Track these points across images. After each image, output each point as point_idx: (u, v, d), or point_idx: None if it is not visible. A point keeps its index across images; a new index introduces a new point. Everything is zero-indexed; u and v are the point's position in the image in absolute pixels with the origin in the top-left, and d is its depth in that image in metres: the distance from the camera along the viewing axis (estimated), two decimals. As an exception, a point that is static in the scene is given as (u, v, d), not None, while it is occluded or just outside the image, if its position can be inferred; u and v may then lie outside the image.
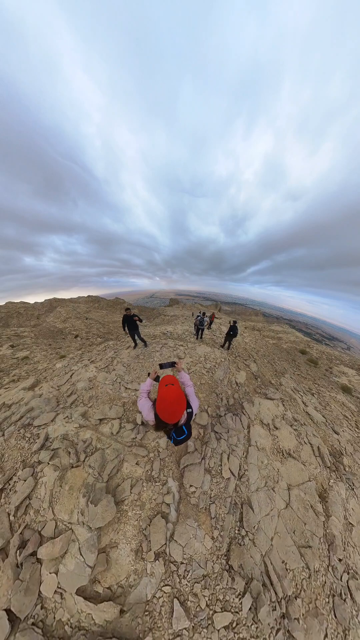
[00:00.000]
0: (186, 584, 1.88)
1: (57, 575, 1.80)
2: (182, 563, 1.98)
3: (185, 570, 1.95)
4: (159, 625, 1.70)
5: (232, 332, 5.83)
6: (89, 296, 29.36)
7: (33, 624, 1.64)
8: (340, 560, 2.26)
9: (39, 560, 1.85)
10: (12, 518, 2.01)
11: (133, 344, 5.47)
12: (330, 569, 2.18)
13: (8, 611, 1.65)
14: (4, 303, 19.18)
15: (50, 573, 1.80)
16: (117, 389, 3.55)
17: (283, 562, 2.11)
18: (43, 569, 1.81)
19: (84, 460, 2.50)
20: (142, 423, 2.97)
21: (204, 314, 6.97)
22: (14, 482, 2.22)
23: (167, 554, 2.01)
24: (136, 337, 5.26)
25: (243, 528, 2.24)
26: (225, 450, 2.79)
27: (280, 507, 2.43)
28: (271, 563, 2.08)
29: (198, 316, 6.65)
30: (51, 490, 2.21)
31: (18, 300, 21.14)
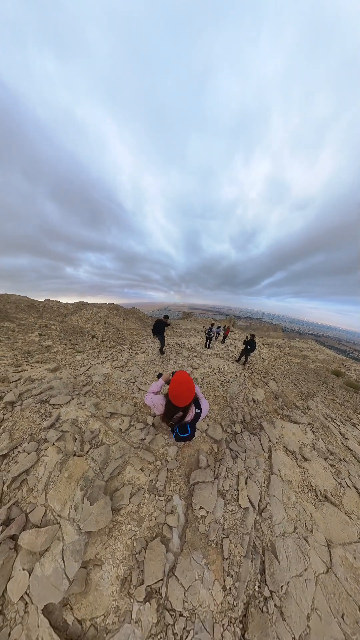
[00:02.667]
0: (184, 651, 1.36)
1: (29, 576, 1.49)
2: (181, 615, 1.48)
3: (184, 628, 1.44)
4: None
5: (249, 347, 5.46)
6: (110, 303, 31.89)
7: None
8: None
9: (16, 548, 1.60)
10: (5, 488, 1.86)
11: (161, 345, 5.63)
12: None
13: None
14: (43, 299, 22.24)
15: (23, 569, 1.51)
16: (131, 389, 3.47)
17: (329, 665, 1.41)
18: (18, 560, 1.54)
19: (87, 452, 2.33)
20: (153, 424, 2.75)
21: (212, 324, 7.86)
22: (18, 452, 2.13)
23: (163, 595, 1.55)
24: (161, 343, 5.48)
25: (266, 585, 1.65)
26: (243, 473, 2.32)
27: (318, 570, 1.78)
28: (310, 660, 1.41)
29: (206, 327, 7.31)
30: (50, 472, 2.05)
31: (54, 299, 24.72)
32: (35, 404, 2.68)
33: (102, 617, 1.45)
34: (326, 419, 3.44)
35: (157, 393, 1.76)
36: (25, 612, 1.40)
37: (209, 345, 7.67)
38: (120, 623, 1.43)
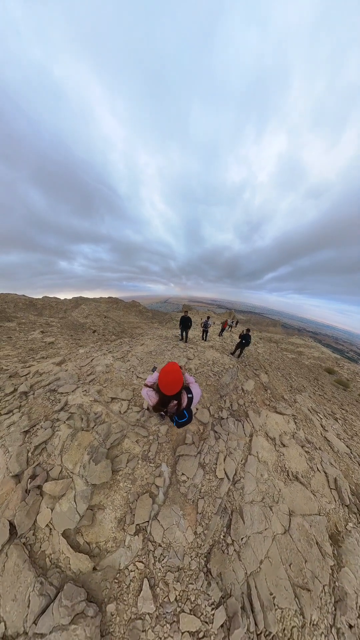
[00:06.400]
0: (160, 569, 1.85)
1: (51, 512, 2.05)
2: (160, 545, 1.96)
3: (161, 554, 1.92)
4: (124, 598, 1.70)
5: (244, 341, 5.60)
6: (109, 297, 32.25)
7: (24, 543, 1.89)
8: (351, 627, 1.78)
9: (41, 494, 2.16)
10: (29, 455, 2.43)
11: (184, 339, 7.04)
12: (334, 630, 1.75)
13: (11, 523, 1.96)
14: (41, 297, 22.51)
15: (47, 507, 2.07)
16: (130, 377, 3.91)
17: (271, 594, 1.83)
18: (43, 502, 2.10)
19: (93, 427, 2.84)
20: (148, 409, 3.19)
21: (208, 317, 8.34)
22: (37, 428, 2.69)
23: (148, 532, 2.04)
24: (185, 334, 7.01)
25: (230, 536, 2.08)
26: (223, 451, 2.70)
27: (276, 531, 2.16)
28: (256, 587, 1.84)
29: (203, 320, 8.02)
30: (64, 442, 2.58)
31: (52, 296, 24.64)
32: (46, 393, 3.21)
33: (104, 542, 1.98)
34: (310, 412, 3.63)
35: (152, 384, 1.90)
36: (50, 534, 1.96)
37: (205, 338, 8.03)
38: (117, 547, 1.96)
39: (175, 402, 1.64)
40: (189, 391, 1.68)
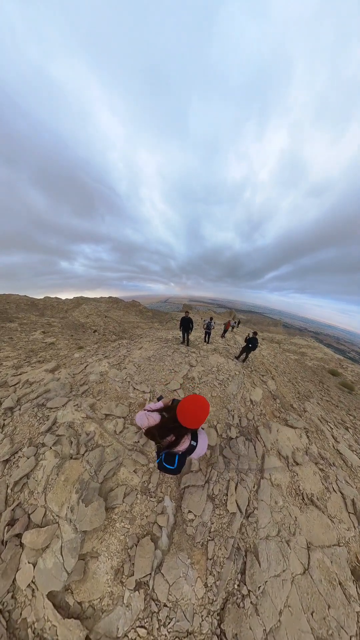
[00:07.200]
0: (165, 635, 1.56)
1: (34, 568, 1.70)
2: (165, 605, 1.67)
3: (167, 616, 1.63)
4: None
5: (250, 345, 5.29)
6: (110, 297, 31.82)
7: (1, 610, 1.55)
8: None
9: (21, 545, 1.80)
10: (9, 491, 2.04)
11: (185, 341, 6.64)
12: None
13: (-19, 591, 1.60)
14: (42, 297, 22.36)
15: (28, 563, 1.72)
16: (126, 388, 3.52)
17: (294, 652, 1.60)
18: (23, 555, 1.75)
19: (83, 454, 2.45)
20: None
21: (211, 318, 7.78)
22: (18, 457, 2.28)
23: (150, 587, 1.73)
24: (186, 337, 6.61)
25: (245, 585, 1.81)
26: (234, 478, 2.41)
27: (295, 571, 1.92)
28: (278, 648, 1.60)
29: (206, 320, 7.43)
30: (48, 476, 2.19)
31: (53, 296, 24.37)
32: (33, 408, 2.78)
33: (99, 599, 1.67)
34: (321, 421, 3.43)
35: (154, 410, 1.59)
36: (32, 597, 1.63)
37: (208, 340, 7.60)
38: (114, 605, 1.65)
39: (174, 437, 1.26)
40: (194, 438, 1.32)
